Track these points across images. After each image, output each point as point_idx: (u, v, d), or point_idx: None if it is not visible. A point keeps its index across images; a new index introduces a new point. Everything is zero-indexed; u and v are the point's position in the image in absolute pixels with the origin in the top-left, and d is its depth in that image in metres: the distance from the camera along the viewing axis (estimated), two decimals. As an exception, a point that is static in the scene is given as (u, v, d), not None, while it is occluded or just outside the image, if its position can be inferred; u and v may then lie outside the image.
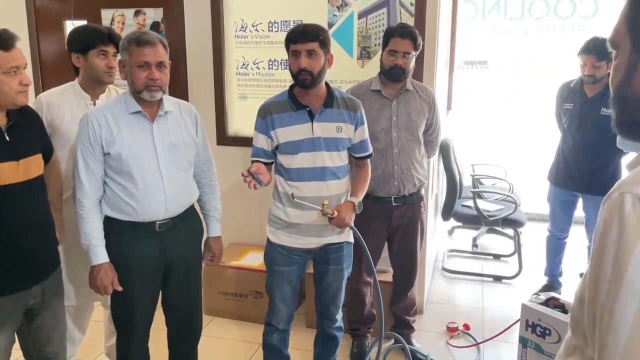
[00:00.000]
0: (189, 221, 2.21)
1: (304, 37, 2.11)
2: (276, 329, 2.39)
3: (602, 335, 0.70)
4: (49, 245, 1.99)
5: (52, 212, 2.04)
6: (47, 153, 2.04)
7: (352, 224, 2.23)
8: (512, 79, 5.79)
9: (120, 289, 2.07)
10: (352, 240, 2.37)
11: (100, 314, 2.79)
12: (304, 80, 2.14)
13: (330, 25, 3.20)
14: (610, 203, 0.72)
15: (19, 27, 3.70)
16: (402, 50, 2.57)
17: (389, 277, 3.04)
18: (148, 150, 2.04)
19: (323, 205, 2.13)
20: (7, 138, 1.81)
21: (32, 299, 1.90)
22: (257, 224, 3.50)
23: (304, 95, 2.21)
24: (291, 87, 2.25)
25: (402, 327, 3.01)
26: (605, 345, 0.69)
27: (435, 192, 3.67)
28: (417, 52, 2.64)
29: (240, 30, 3.37)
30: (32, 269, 1.89)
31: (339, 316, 2.48)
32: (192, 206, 2.25)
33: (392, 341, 3.01)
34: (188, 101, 2.81)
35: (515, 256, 4.12)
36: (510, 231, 4.38)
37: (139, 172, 2.02)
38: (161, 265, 2.16)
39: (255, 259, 3.33)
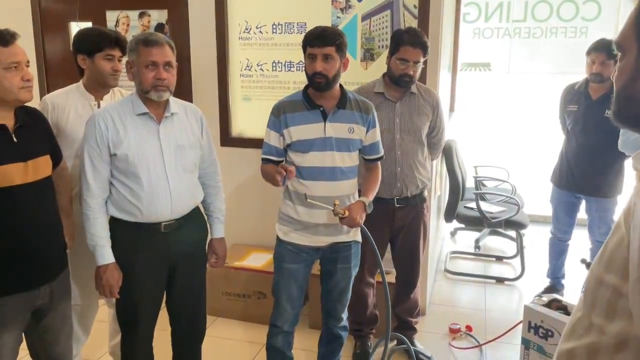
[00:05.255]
0: (194, 222, 2.23)
1: (321, 41, 2.13)
2: (281, 330, 2.39)
3: None
4: (58, 246, 2.00)
5: (62, 218, 2.05)
6: (56, 157, 2.05)
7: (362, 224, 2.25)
8: (515, 81, 5.79)
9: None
10: (360, 239, 2.38)
11: (104, 314, 2.80)
12: (319, 83, 2.17)
13: (334, 27, 3.21)
14: None
15: (24, 28, 3.72)
16: (413, 59, 2.57)
17: (391, 278, 3.05)
18: (154, 152, 2.05)
19: (335, 205, 2.15)
20: (15, 139, 1.82)
21: (40, 299, 1.91)
22: (261, 225, 3.51)
23: (318, 95, 2.24)
24: (306, 87, 2.28)
25: (405, 328, 3.02)
26: None
27: (438, 194, 3.68)
28: (426, 58, 2.65)
29: (244, 32, 3.38)
30: (41, 269, 1.90)
31: (345, 315, 2.49)
32: (197, 207, 2.26)
33: (395, 342, 3.02)
34: (192, 102, 2.83)
35: (518, 258, 4.13)
36: (512, 233, 4.39)
37: (145, 173, 2.03)
38: (166, 266, 2.17)
39: (258, 260, 3.34)
